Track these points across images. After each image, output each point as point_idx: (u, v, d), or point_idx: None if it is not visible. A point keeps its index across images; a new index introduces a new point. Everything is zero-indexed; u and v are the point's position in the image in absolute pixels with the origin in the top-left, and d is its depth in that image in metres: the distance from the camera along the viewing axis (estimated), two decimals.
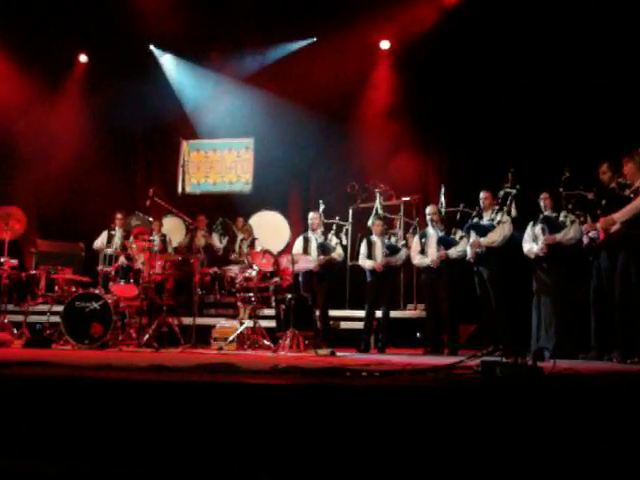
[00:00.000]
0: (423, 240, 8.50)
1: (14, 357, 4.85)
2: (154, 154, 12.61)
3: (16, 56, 11.15)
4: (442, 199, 8.81)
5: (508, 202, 7.68)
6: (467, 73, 10.10)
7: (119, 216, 9.95)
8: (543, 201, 7.44)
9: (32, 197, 11.43)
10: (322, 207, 9.37)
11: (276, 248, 10.02)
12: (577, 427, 2.93)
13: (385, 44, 11.45)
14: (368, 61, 11.34)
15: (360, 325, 8.77)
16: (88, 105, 11.95)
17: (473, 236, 7.89)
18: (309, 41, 11.70)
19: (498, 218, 7.69)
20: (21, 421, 3.19)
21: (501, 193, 7.78)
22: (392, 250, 8.62)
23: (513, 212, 7.65)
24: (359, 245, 9.04)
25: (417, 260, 8.55)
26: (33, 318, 9.15)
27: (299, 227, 10.58)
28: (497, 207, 7.80)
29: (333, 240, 8.97)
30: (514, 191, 7.63)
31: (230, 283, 8.85)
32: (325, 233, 9.02)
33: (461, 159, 10.18)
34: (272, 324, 8.55)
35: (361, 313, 8.82)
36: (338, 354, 7.31)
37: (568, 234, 7.17)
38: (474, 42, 9.92)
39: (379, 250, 8.65)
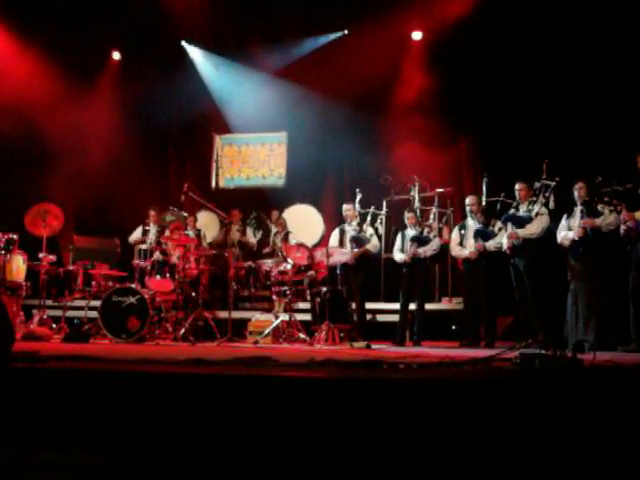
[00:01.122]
0: (462, 232, 8.42)
1: (54, 351, 4.91)
2: (187, 150, 12.65)
3: (51, 55, 11.25)
4: (484, 189, 8.67)
5: (547, 194, 7.56)
6: (501, 62, 9.96)
7: (153, 212, 10.02)
8: (578, 191, 7.31)
9: (68, 194, 11.55)
10: (359, 197, 9.29)
11: (310, 241, 10.01)
12: (618, 420, 2.88)
13: (417, 35, 11.33)
14: (400, 52, 11.22)
15: (395, 318, 8.73)
16: (122, 102, 12.03)
17: (509, 227, 7.80)
18: (341, 33, 11.64)
19: (536, 209, 7.59)
20: (62, 414, 3.23)
21: (537, 184, 7.67)
22: (419, 241, 8.54)
23: (551, 204, 7.52)
24: (393, 238, 9.00)
25: (455, 252, 8.50)
26: (71, 313, 9.27)
27: (333, 220, 10.56)
28: (534, 198, 7.70)
29: (368, 231, 8.91)
30: (553, 183, 7.51)
31: (265, 277, 8.86)
32: (360, 224, 8.97)
33: (496, 149, 10.06)
34: (307, 317, 8.57)
35: (396, 306, 8.76)
36: (373, 347, 7.30)
37: (607, 219, 7.05)
38: (507, 30, 9.77)
39: (409, 243, 8.60)
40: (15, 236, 8.61)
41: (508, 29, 9.78)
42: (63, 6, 10.80)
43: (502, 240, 7.94)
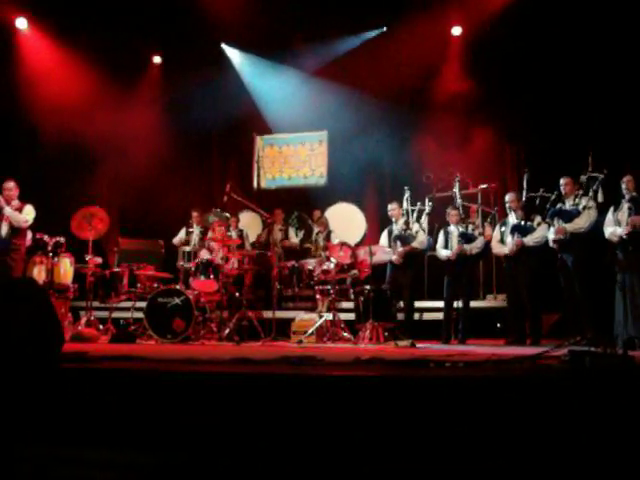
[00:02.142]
0: (503, 229, 8.33)
1: (103, 352, 4.97)
2: (229, 151, 12.75)
3: (94, 60, 11.44)
4: (525, 185, 8.56)
5: (594, 187, 7.43)
6: (542, 55, 9.84)
7: (196, 214, 10.12)
8: (626, 184, 7.16)
9: (113, 197, 11.73)
10: (407, 194, 9.23)
11: (352, 240, 9.99)
12: None
13: (457, 30, 11.25)
14: (440, 48, 11.15)
15: (439, 316, 8.67)
16: (163, 105, 12.19)
17: (556, 222, 7.67)
18: (379, 31, 11.61)
19: (583, 203, 7.45)
20: (112, 413, 3.27)
21: (583, 178, 7.54)
22: (466, 238, 8.46)
23: (600, 197, 7.37)
24: (436, 235, 8.93)
25: (496, 249, 8.41)
26: (117, 314, 9.39)
27: (375, 218, 10.54)
28: (581, 192, 7.56)
29: (414, 227, 8.86)
30: (601, 176, 7.37)
31: (308, 276, 8.87)
32: (407, 222, 8.92)
33: (538, 144, 9.92)
34: (351, 316, 8.55)
35: (440, 304, 8.71)
36: (418, 345, 7.25)
37: None
38: (548, 23, 9.65)
39: (455, 240, 8.51)
40: (62, 239, 8.76)
41: (549, 20, 9.64)
42: (105, 11, 10.95)
43: (541, 234, 7.84)
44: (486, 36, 10.51)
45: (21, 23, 11.76)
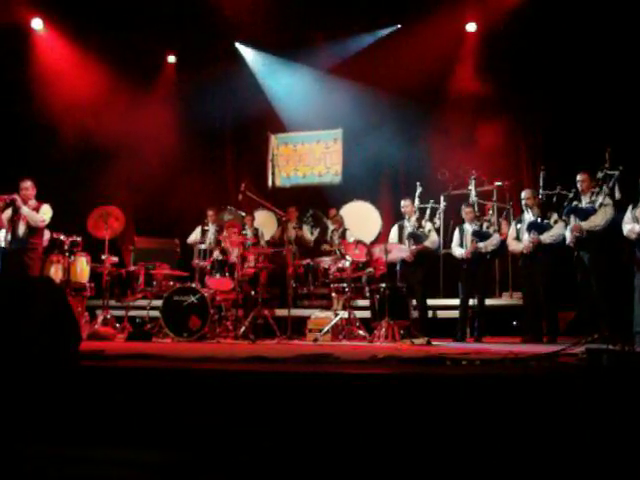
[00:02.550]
0: (519, 226, 8.28)
1: (119, 350, 5.00)
2: (243, 149, 12.75)
3: (109, 60, 11.49)
4: (541, 182, 8.49)
5: (611, 184, 7.36)
6: (558, 50, 9.77)
7: (211, 212, 10.15)
8: None
9: (128, 196, 11.76)
10: (419, 190, 9.18)
11: (368, 238, 9.97)
12: None
13: (471, 26, 11.19)
14: (454, 45, 11.11)
15: (454, 314, 8.64)
16: (178, 104, 12.22)
17: (572, 220, 7.62)
18: (393, 28, 11.58)
19: (600, 200, 7.39)
20: (128, 411, 3.28)
21: (600, 174, 7.48)
22: (480, 236, 8.43)
23: (617, 194, 7.29)
24: (451, 233, 8.90)
25: (512, 247, 8.36)
26: (133, 313, 9.44)
27: (390, 216, 10.50)
28: (597, 189, 7.50)
29: (427, 226, 8.82)
30: (617, 172, 7.30)
31: (323, 274, 8.86)
32: (419, 220, 8.89)
33: (555, 141, 9.87)
34: (366, 314, 8.54)
35: (455, 301, 8.68)
36: (434, 343, 7.23)
37: None
38: (564, 17, 9.58)
39: (469, 238, 8.49)
40: (79, 238, 8.82)
41: (565, 13, 9.57)
42: (119, 12, 11.00)
43: (558, 232, 7.80)
44: (501, 32, 10.45)
45: (37, 24, 11.84)
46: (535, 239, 7.91)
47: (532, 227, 8.00)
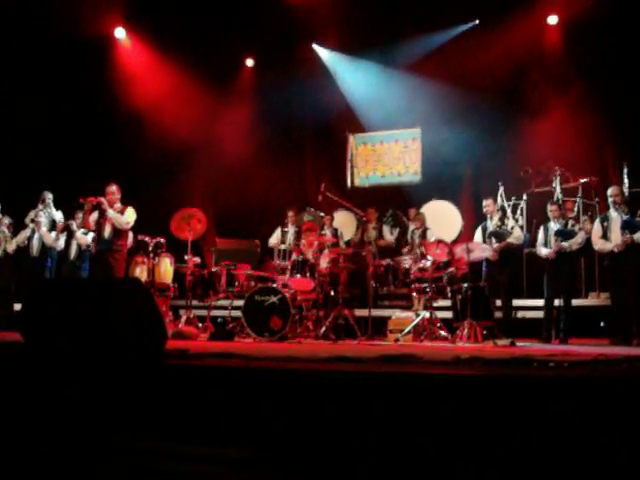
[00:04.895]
0: (605, 224, 8.01)
1: (203, 349, 5.06)
2: (322, 150, 12.79)
3: (188, 66, 11.74)
4: (625, 179, 8.21)
5: None
6: None
7: (291, 213, 10.22)
8: None
9: (209, 198, 11.96)
10: (501, 189, 9.00)
11: (448, 237, 9.83)
12: None
13: (553, 19, 10.91)
14: (535, 38, 10.86)
15: (538, 314, 8.44)
16: (256, 106, 12.37)
17: None
18: (472, 24, 11.41)
19: None
20: (211, 409, 3.31)
21: None
22: (564, 235, 8.19)
23: None
24: (536, 232, 8.68)
25: (599, 245, 8.07)
26: (216, 312, 9.57)
27: (471, 215, 10.33)
28: None
29: (510, 223, 8.64)
30: None
31: (404, 274, 8.79)
32: (502, 218, 8.71)
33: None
34: (448, 315, 8.42)
35: (539, 302, 8.47)
36: (518, 344, 7.06)
37: None
38: None
39: (553, 237, 8.26)
40: (162, 240, 9.01)
41: None
42: (198, 18, 11.22)
43: None
44: (585, 24, 10.13)
45: (119, 33, 12.21)
46: (628, 238, 7.63)
47: (626, 226, 7.71)
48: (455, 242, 9.63)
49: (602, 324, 8.83)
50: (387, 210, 10.88)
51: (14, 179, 11.29)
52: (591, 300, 9.12)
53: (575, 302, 8.46)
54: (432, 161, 11.46)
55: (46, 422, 3.43)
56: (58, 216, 9.99)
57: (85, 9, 10.56)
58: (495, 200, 8.88)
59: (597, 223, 8.19)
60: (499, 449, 2.85)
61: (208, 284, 9.42)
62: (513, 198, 9.02)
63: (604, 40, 9.94)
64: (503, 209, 8.88)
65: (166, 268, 8.98)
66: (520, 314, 8.93)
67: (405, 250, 9.82)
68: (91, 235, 8.93)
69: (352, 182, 12.44)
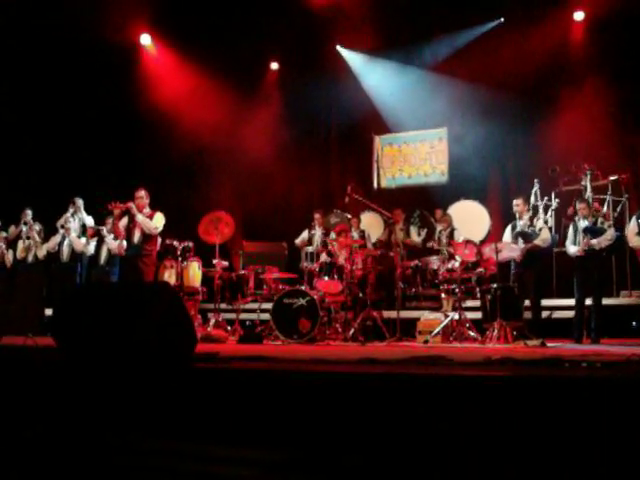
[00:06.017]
0: None
1: (232, 352, 5.08)
2: (348, 152, 12.78)
3: (213, 70, 11.81)
4: None
5: None
6: None
7: (317, 215, 10.22)
8: None
9: (236, 201, 12.01)
10: (536, 187, 8.89)
11: (476, 237, 9.73)
12: None
13: (579, 15, 10.79)
14: (561, 36, 10.75)
15: (568, 314, 8.34)
16: (281, 109, 12.41)
17: None
18: (496, 22, 11.33)
19: None
20: (241, 412, 3.32)
21: None
22: (593, 232, 8.07)
23: None
24: (565, 230, 8.59)
25: (633, 242, 7.99)
26: (244, 315, 9.61)
27: (499, 215, 10.26)
28: None
29: (538, 224, 8.54)
30: None
31: (432, 275, 8.74)
32: (532, 218, 8.62)
33: None
34: (477, 315, 8.35)
35: (569, 301, 8.37)
36: (549, 345, 7.00)
37: None
38: None
39: (582, 235, 8.17)
40: (191, 244, 9.07)
41: None
42: (221, 22, 11.28)
43: None
44: (611, 20, 10.01)
45: (145, 39, 12.33)
46: None
47: None
48: (484, 242, 9.57)
49: (634, 324, 8.71)
50: (414, 211, 10.83)
51: (45, 185, 11.45)
52: (623, 299, 9.00)
53: (606, 301, 8.33)
54: (459, 161, 11.39)
55: (81, 425, 3.47)
56: (89, 221, 10.09)
57: (112, 17, 10.69)
58: (525, 200, 8.78)
59: (633, 220, 8.09)
60: (532, 450, 2.83)
61: (236, 287, 9.46)
62: (545, 198, 8.93)
63: (631, 35, 9.82)
64: (535, 208, 8.78)
65: (194, 272, 9.05)
66: (550, 314, 8.85)
67: (430, 245, 9.73)
68: (118, 242, 8.95)
69: (378, 183, 12.41)
